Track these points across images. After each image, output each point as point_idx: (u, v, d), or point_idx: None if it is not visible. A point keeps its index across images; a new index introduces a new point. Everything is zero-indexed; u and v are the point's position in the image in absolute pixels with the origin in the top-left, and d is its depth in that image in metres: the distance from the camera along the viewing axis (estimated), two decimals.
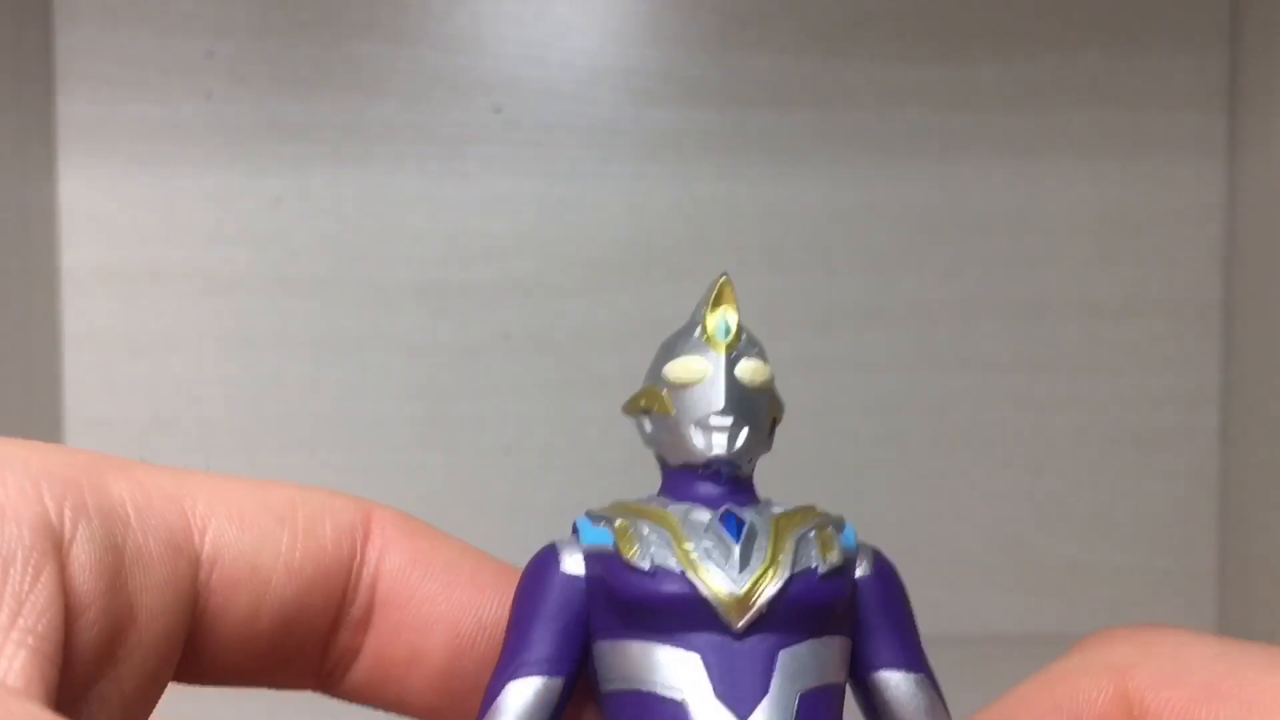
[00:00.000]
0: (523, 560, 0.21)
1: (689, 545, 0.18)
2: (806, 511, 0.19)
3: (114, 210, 0.54)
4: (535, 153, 0.55)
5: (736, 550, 0.18)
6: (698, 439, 0.20)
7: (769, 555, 0.18)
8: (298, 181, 0.54)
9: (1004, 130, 0.55)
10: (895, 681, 0.19)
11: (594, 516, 0.21)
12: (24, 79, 0.52)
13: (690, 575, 0.18)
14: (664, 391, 0.20)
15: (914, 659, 0.19)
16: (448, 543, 0.21)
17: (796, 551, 0.18)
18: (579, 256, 0.55)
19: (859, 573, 0.19)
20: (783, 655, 0.18)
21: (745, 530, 0.18)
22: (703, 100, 0.55)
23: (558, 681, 0.19)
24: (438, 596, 0.20)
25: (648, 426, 0.21)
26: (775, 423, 0.21)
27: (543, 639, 0.19)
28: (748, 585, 0.18)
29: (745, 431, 0.19)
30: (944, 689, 0.20)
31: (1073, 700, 0.19)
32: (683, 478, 0.20)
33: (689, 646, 0.18)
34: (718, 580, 0.18)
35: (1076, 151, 0.55)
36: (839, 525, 0.19)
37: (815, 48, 0.55)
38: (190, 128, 0.54)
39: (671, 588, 0.18)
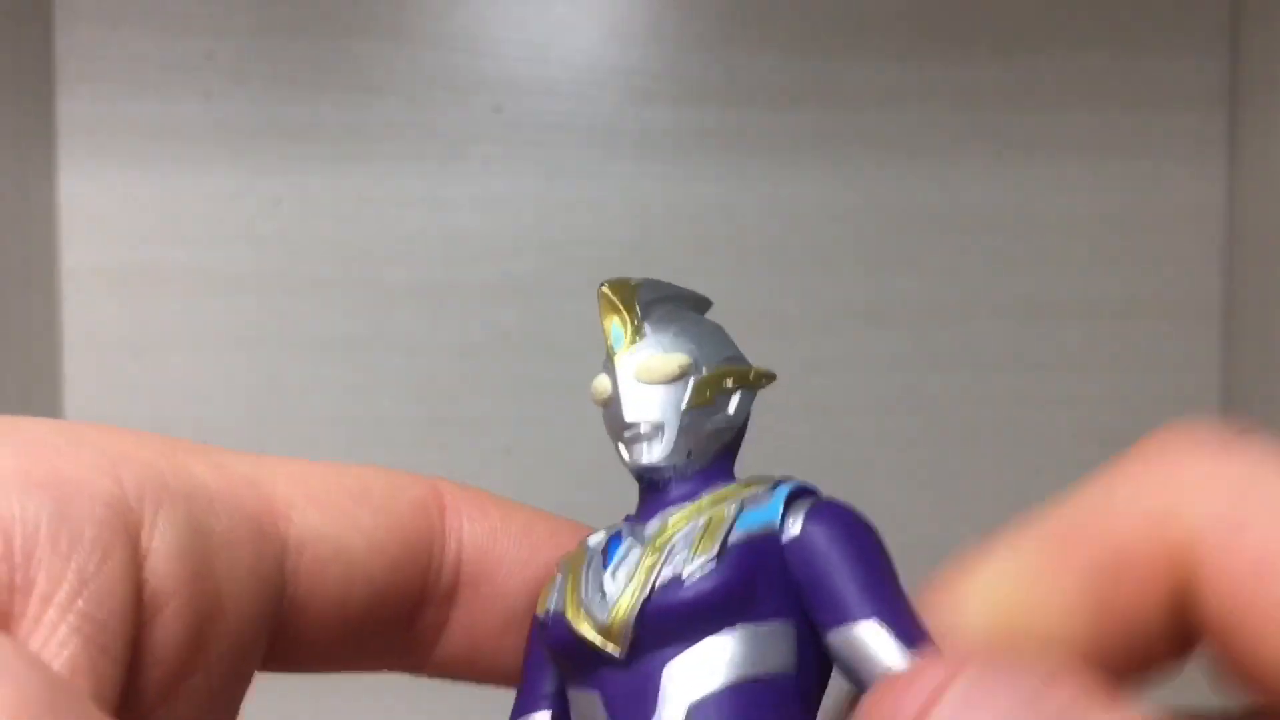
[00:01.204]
0: None
1: (580, 582, 0.18)
2: (736, 490, 0.19)
3: (114, 210, 0.54)
4: (535, 153, 0.55)
5: (607, 576, 0.18)
6: (623, 454, 0.19)
7: (632, 571, 0.18)
8: (298, 181, 0.54)
9: (1004, 130, 0.55)
10: (838, 644, 0.17)
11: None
12: (24, 79, 0.52)
13: (569, 617, 0.18)
14: (599, 388, 0.20)
15: (853, 606, 0.17)
16: (517, 507, 0.21)
17: (666, 559, 0.18)
18: (579, 256, 0.55)
19: (787, 537, 0.18)
20: (668, 669, 0.17)
21: (619, 551, 0.18)
22: (703, 100, 0.55)
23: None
24: (523, 560, 0.20)
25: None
26: (731, 390, 0.20)
27: (532, 681, 0.19)
28: (610, 614, 0.17)
29: (663, 434, 0.19)
30: None
31: (1118, 547, 0.17)
32: (642, 490, 0.20)
33: (591, 686, 0.18)
34: (588, 617, 0.18)
35: (1076, 151, 0.55)
36: (758, 498, 0.18)
37: (815, 48, 0.55)
38: (190, 128, 0.54)
39: (560, 632, 0.18)
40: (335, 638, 0.19)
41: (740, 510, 0.18)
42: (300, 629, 0.18)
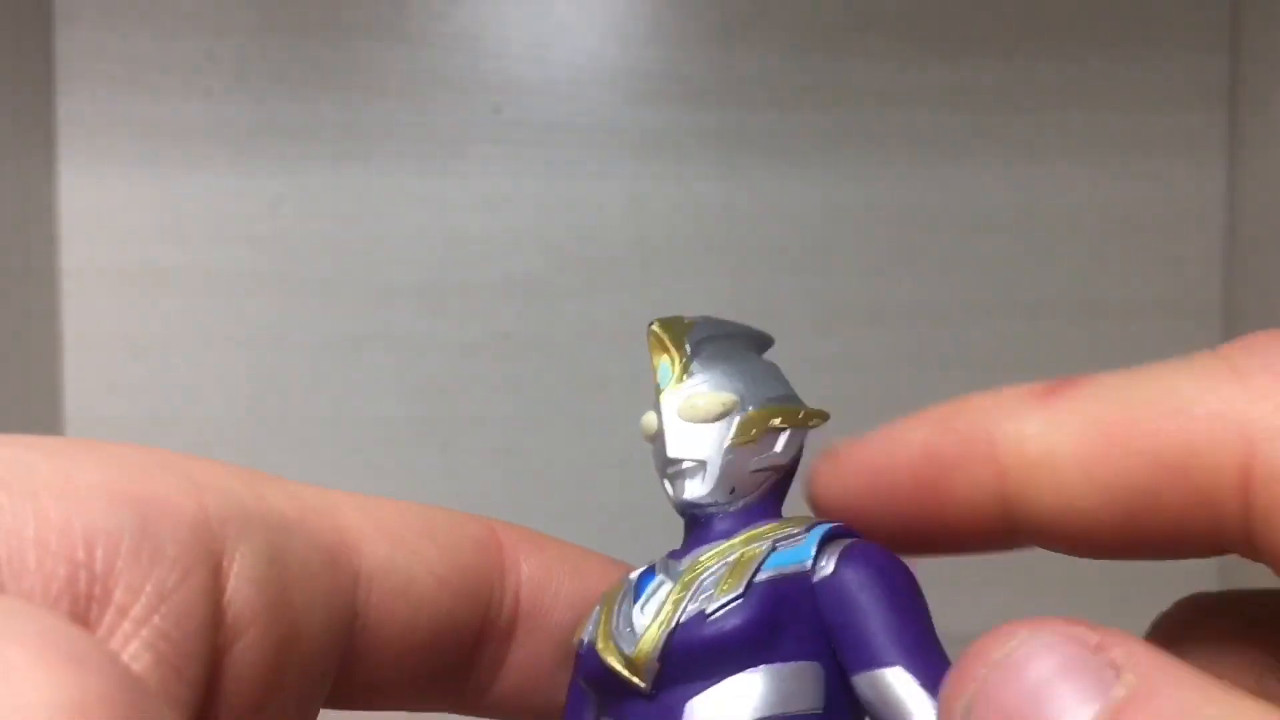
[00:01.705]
0: None
1: (612, 615, 0.18)
2: (771, 529, 0.19)
3: (114, 210, 0.54)
4: (535, 153, 0.55)
5: (636, 610, 0.18)
6: (668, 489, 0.20)
7: (660, 606, 0.18)
8: (298, 181, 0.54)
9: (1004, 130, 0.55)
10: (865, 688, 0.17)
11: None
12: (24, 79, 0.52)
13: (599, 648, 0.18)
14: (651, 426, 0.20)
15: (881, 651, 0.17)
16: (568, 546, 0.21)
17: (693, 595, 0.18)
18: (579, 256, 0.55)
19: (819, 577, 0.18)
20: (691, 705, 0.17)
21: (650, 586, 0.18)
22: (703, 100, 0.55)
23: None
24: (578, 597, 0.20)
25: None
26: (779, 429, 0.20)
27: (580, 708, 0.19)
28: (635, 646, 0.18)
29: (706, 471, 0.19)
30: None
31: (1184, 459, 0.16)
32: (687, 525, 0.20)
33: (620, 715, 0.18)
34: (616, 649, 0.18)
35: (1076, 151, 0.55)
36: (792, 538, 0.18)
37: (815, 48, 0.55)
38: (190, 128, 0.54)
39: (591, 663, 0.18)
40: (399, 672, 0.19)
41: (772, 549, 0.18)
42: (367, 661, 0.18)
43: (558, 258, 0.55)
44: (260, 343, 0.55)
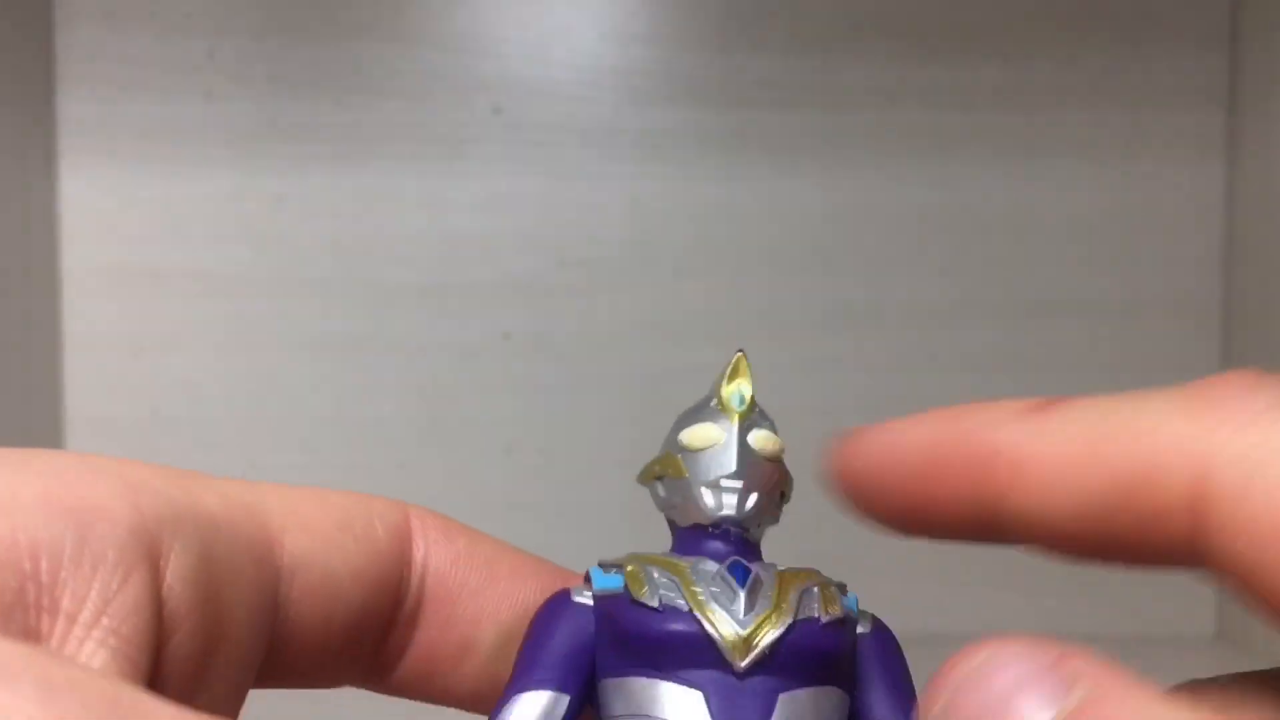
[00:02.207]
0: None
1: (697, 589, 0.19)
2: (810, 572, 0.20)
3: (114, 210, 0.54)
4: (535, 153, 0.55)
5: (742, 595, 0.19)
6: (708, 499, 0.20)
7: (774, 601, 0.19)
8: (298, 181, 0.54)
9: (1004, 130, 0.55)
10: None
11: (605, 565, 0.21)
12: (24, 79, 0.52)
13: (698, 614, 0.19)
14: (679, 456, 0.21)
15: (903, 705, 0.20)
16: (482, 538, 0.22)
17: (800, 601, 0.19)
18: (579, 256, 0.55)
19: (860, 630, 0.20)
20: (782, 698, 0.18)
21: (751, 577, 0.19)
22: (703, 100, 0.55)
23: (566, 698, 0.19)
24: (483, 590, 0.21)
25: (661, 491, 0.21)
26: (784, 497, 0.21)
27: (553, 658, 0.19)
28: (752, 626, 0.18)
29: (755, 496, 0.20)
30: None
31: (1144, 475, 0.17)
32: (693, 537, 0.21)
33: (692, 684, 0.19)
34: (723, 620, 0.19)
35: (1076, 151, 0.55)
36: (842, 587, 0.20)
37: (815, 48, 0.55)
38: (190, 128, 0.54)
39: (679, 625, 0.19)
40: (318, 657, 0.20)
41: (842, 591, 0.20)
42: (289, 649, 0.19)
43: (558, 258, 0.55)
44: (260, 343, 0.55)
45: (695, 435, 0.21)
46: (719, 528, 0.20)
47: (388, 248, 0.55)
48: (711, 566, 0.20)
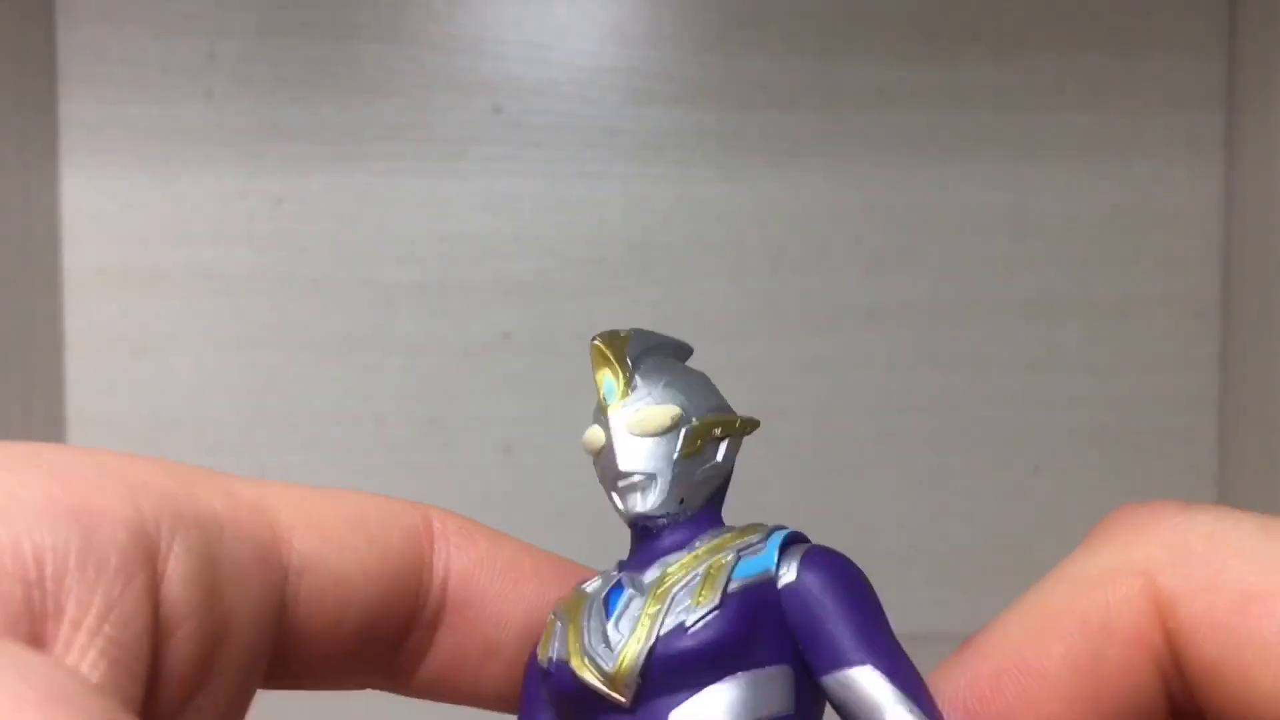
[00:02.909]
0: None
1: (582, 631, 0.19)
2: (730, 539, 0.19)
3: (115, 210, 0.54)
4: (535, 153, 0.55)
5: (609, 626, 0.18)
6: (617, 503, 0.20)
7: (638, 620, 0.18)
8: (298, 181, 0.55)
9: (1004, 130, 0.55)
10: (834, 688, 0.18)
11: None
12: (26, 79, 0.52)
13: (573, 665, 0.18)
14: (592, 437, 0.21)
15: (850, 651, 0.18)
16: (504, 539, 0.22)
17: (669, 607, 0.18)
18: (579, 256, 0.55)
19: (783, 583, 0.18)
20: (673, 717, 0.18)
21: (620, 602, 0.19)
22: (703, 100, 0.55)
23: None
24: (507, 592, 0.21)
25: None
26: (718, 437, 0.20)
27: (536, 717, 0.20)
28: (616, 662, 0.18)
29: (657, 483, 0.20)
30: None
31: (1102, 610, 0.18)
32: (635, 534, 0.20)
33: None
34: (593, 664, 0.18)
35: (1076, 151, 0.55)
36: (753, 546, 0.19)
37: (815, 48, 0.55)
38: (191, 128, 0.54)
39: (562, 681, 0.18)
40: (329, 659, 0.20)
41: (738, 559, 0.18)
42: (298, 650, 0.19)
43: (558, 258, 0.55)
44: (260, 343, 0.55)
45: (588, 440, 0.21)
46: (637, 525, 0.20)
47: (388, 248, 0.55)
48: (597, 590, 0.19)
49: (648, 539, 0.20)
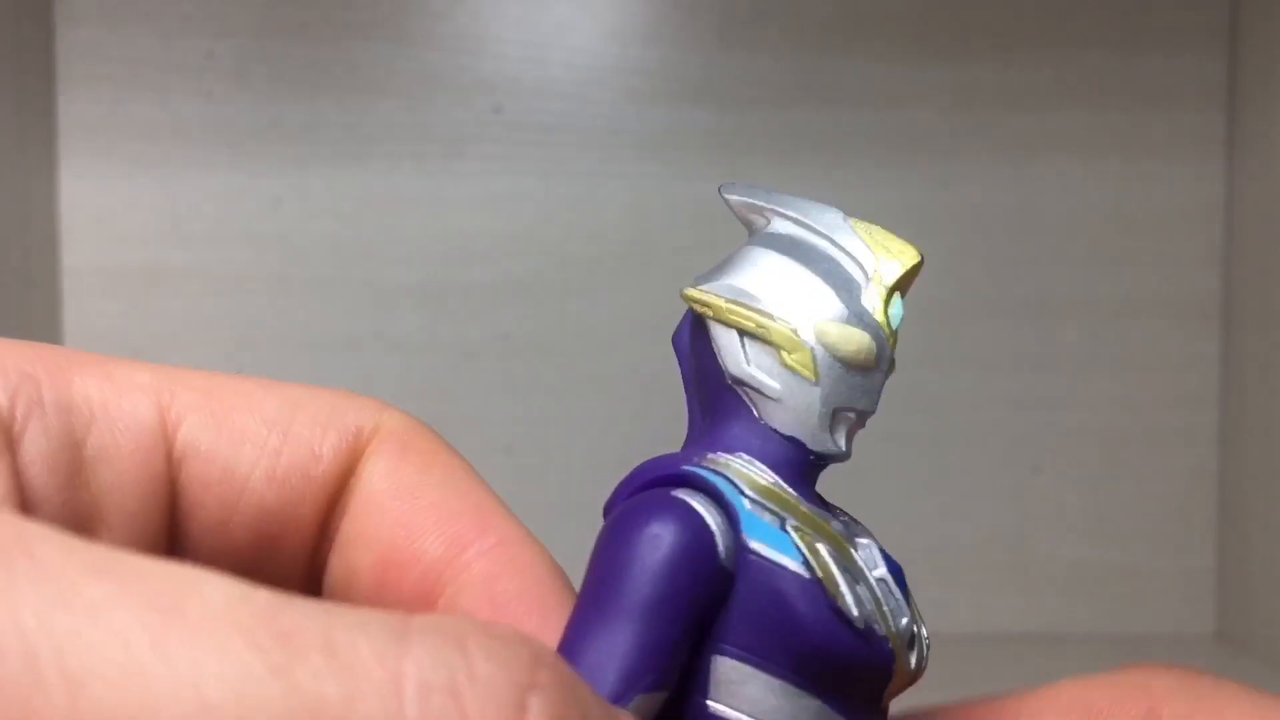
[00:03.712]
0: None
1: (880, 599, 0.16)
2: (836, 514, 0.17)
3: (115, 210, 0.54)
4: (535, 153, 0.55)
5: (905, 620, 0.16)
6: (838, 431, 0.17)
7: (915, 617, 0.16)
8: (298, 181, 0.54)
9: (1004, 130, 0.55)
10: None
11: (747, 497, 0.16)
12: (25, 79, 0.52)
13: (893, 646, 0.15)
14: (811, 348, 0.16)
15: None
16: (449, 469, 0.19)
17: (916, 612, 0.16)
18: (579, 256, 0.55)
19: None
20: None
21: (874, 577, 0.16)
22: (703, 100, 0.55)
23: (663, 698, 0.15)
24: (420, 528, 0.18)
25: (748, 357, 0.17)
26: None
27: (680, 648, 0.15)
28: (915, 660, 0.16)
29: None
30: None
31: (1108, 707, 0.19)
32: (779, 450, 0.16)
33: (842, 713, 0.16)
34: (908, 653, 0.16)
35: (1076, 151, 0.55)
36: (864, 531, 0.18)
37: (815, 48, 0.55)
38: (191, 128, 0.54)
39: (878, 659, 0.15)
40: (223, 558, 0.18)
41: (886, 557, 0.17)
42: (187, 545, 0.18)
43: (558, 258, 0.55)
44: (260, 343, 0.55)
45: (848, 338, 0.16)
46: (820, 461, 0.17)
47: (388, 248, 0.55)
48: (865, 546, 0.16)
49: (792, 462, 0.16)
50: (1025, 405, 0.56)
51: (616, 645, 0.15)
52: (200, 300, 0.55)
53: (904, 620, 0.16)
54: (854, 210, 0.17)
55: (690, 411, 0.18)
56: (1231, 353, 0.55)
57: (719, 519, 0.16)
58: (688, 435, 0.18)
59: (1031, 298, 0.56)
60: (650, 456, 0.19)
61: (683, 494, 0.16)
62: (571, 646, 0.15)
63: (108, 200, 0.54)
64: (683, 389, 0.18)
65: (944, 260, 0.55)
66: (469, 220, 0.55)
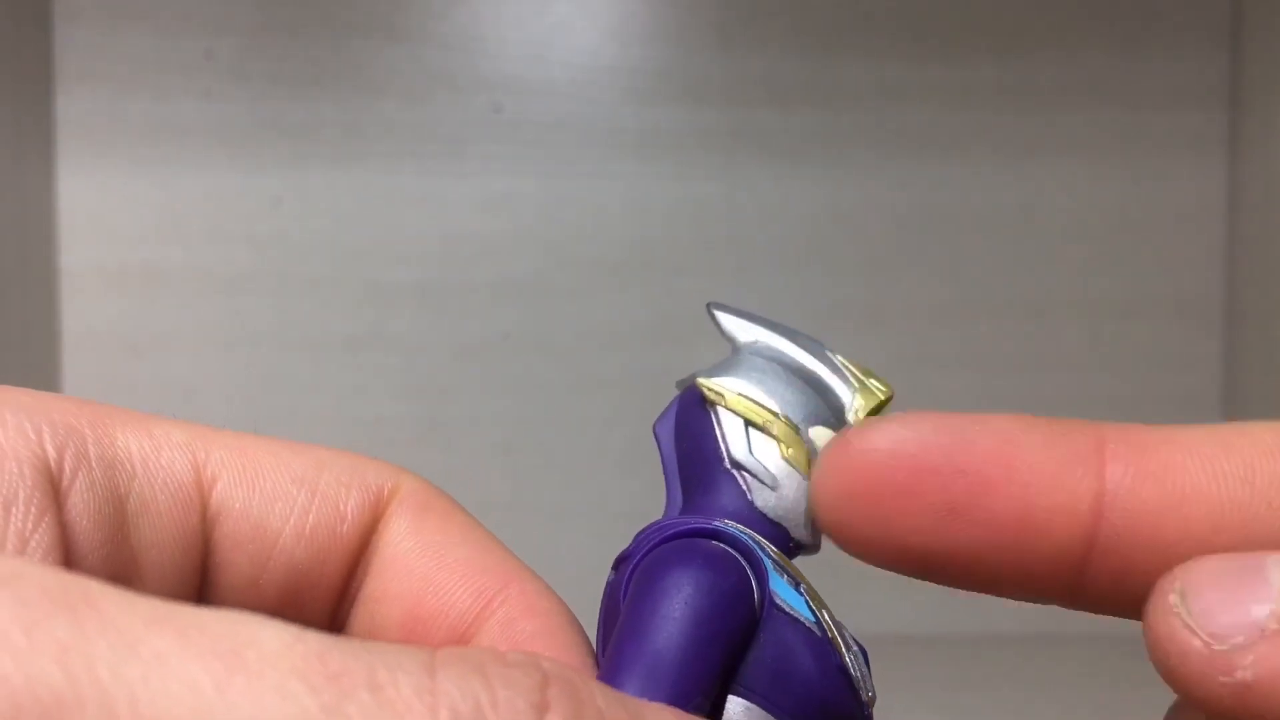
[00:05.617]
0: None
1: (863, 669, 0.18)
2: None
3: (113, 210, 0.54)
4: (535, 152, 0.55)
5: (873, 694, 0.18)
6: (816, 526, 0.18)
7: (867, 676, 0.18)
8: (298, 181, 0.54)
9: (1004, 130, 0.55)
10: None
11: (770, 557, 0.18)
12: (23, 78, 0.52)
13: (869, 711, 0.17)
14: (808, 448, 0.19)
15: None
16: (467, 530, 0.20)
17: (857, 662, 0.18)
18: (579, 256, 0.55)
19: None
20: None
21: (842, 634, 0.18)
22: (703, 100, 0.55)
23: None
24: (445, 587, 0.19)
25: (755, 446, 0.19)
26: None
27: (718, 682, 0.17)
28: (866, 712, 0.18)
29: None
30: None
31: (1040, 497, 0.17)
32: (767, 531, 0.18)
33: None
34: (867, 699, 0.18)
35: (1076, 151, 0.55)
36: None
37: (815, 48, 0.55)
38: (190, 128, 0.54)
39: (841, 695, 0.17)
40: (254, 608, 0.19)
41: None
42: (216, 601, 0.18)
43: (558, 258, 0.55)
44: (260, 343, 0.55)
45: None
46: (798, 548, 0.19)
47: (388, 248, 0.55)
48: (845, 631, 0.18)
49: (777, 543, 0.18)
50: (1025, 405, 0.56)
51: (665, 673, 0.16)
52: (199, 300, 0.55)
53: (873, 694, 0.18)
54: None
55: (670, 490, 0.19)
56: (1234, 353, 0.55)
57: (749, 571, 0.17)
58: (667, 512, 0.19)
59: (1031, 298, 0.56)
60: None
61: (720, 544, 0.18)
62: (618, 675, 0.16)
63: (106, 199, 0.54)
64: (661, 466, 0.19)
65: (944, 260, 0.55)
66: (469, 220, 0.55)
